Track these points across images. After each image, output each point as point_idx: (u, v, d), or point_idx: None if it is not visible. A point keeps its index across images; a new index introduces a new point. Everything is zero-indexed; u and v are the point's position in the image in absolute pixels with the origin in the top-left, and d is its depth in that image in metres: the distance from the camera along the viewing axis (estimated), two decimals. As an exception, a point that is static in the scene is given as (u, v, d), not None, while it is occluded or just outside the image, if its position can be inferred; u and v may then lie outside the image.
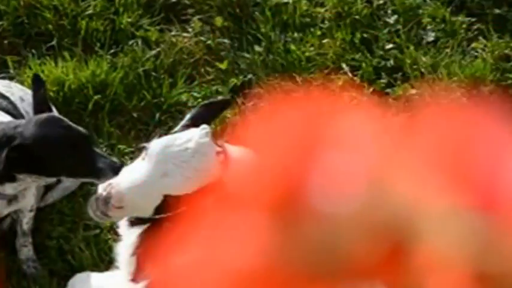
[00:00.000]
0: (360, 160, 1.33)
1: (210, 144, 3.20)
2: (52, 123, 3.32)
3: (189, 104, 4.33)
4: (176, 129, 3.40)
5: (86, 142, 3.37)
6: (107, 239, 3.90)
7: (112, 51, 4.45)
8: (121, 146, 4.18)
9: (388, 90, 4.45)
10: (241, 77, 4.44)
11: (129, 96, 4.32)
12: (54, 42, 4.45)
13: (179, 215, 2.95)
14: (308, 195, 1.31)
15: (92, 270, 3.67)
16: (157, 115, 4.29)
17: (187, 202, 2.92)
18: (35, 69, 4.29)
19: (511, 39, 4.61)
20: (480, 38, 4.64)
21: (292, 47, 4.52)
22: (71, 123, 3.39)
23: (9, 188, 3.40)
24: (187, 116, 3.41)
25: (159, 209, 3.22)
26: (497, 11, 4.70)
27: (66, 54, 4.38)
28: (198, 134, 3.20)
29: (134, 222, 3.31)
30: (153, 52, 4.46)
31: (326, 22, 4.64)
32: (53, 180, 3.67)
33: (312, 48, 4.53)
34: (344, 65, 4.51)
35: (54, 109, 3.77)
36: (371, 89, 4.43)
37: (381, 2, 4.69)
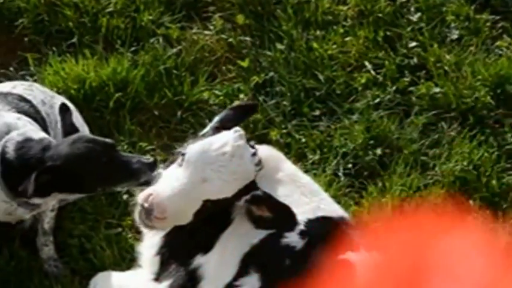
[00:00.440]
0: None
1: (245, 146, 3.24)
2: (77, 141, 3.36)
3: (211, 102, 4.30)
4: (205, 131, 3.39)
5: (114, 150, 3.39)
6: (128, 237, 3.88)
7: (133, 48, 4.42)
8: (142, 144, 4.15)
9: (412, 88, 4.41)
10: (262, 75, 4.41)
11: (150, 94, 4.29)
12: (74, 40, 4.43)
13: None
14: None
15: (113, 269, 3.65)
16: (179, 113, 4.27)
17: None
18: (56, 67, 4.27)
19: (535, 38, 4.58)
20: (504, 36, 4.60)
21: (315, 44, 4.49)
22: (94, 136, 3.41)
23: (37, 200, 3.42)
24: (216, 119, 3.43)
25: (198, 214, 3.24)
26: (521, 9, 4.67)
27: (86, 51, 4.36)
28: (233, 137, 3.23)
29: None
30: (174, 50, 4.43)
31: (348, 20, 4.61)
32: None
33: (334, 46, 4.50)
34: (367, 63, 4.48)
35: (78, 115, 3.77)
36: (394, 87, 4.40)
37: (404, -1, 4.66)
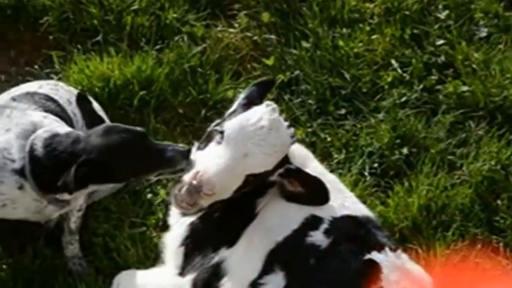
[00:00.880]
0: None
1: (280, 119, 3.29)
2: (109, 132, 3.35)
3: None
4: (233, 109, 3.40)
5: (146, 138, 3.39)
6: (152, 236, 3.86)
7: (158, 47, 4.41)
8: (167, 142, 4.13)
9: (439, 87, 4.37)
10: (288, 73, 4.38)
11: (175, 92, 4.27)
12: (99, 38, 4.42)
13: None
14: None
15: (137, 268, 3.64)
16: (203, 111, 4.25)
17: None
18: (80, 65, 4.26)
19: None
20: (534, 33, 4.55)
21: (341, 42, 4.46)
22: (126, 126, 3.41)
23: (67, 196, 3.41)
24: (242, 95, 3.45)
25: (239, 189, 3.28)
26: (550, 6, 4.62)
27: (111, 49, 4.35)
28: (267, 111, 3.27)
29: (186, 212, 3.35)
30: (199, 48, 4.41)
31: (375, 18, 4.57)
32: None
33: (360, 44, 4.46)
34: (393, 62, 4.44)
35: (100, 109, 3.77)
36: (421, 86, 4.36)
37: (431, -3, 4.62)
